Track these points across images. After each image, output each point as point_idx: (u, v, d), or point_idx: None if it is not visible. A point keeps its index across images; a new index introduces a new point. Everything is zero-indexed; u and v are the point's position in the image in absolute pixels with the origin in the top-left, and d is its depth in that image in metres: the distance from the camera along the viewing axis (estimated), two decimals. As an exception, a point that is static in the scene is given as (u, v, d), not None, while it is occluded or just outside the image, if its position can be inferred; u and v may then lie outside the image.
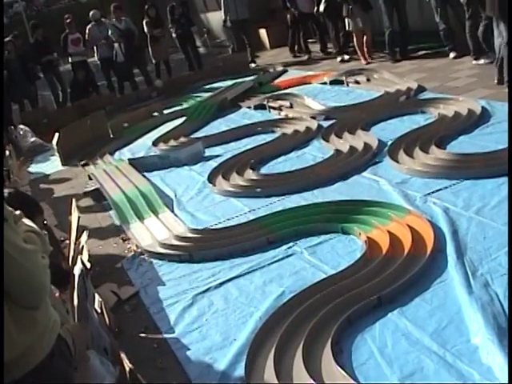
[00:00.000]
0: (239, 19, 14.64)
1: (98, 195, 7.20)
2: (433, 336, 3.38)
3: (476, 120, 6.90)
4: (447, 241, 4.37)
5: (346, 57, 13.04)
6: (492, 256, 4.06)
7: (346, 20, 12.11)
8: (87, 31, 13.86)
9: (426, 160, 5.95)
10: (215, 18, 20.02)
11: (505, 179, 5.16)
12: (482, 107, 7.22)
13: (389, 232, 4.60)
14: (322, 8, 12.83)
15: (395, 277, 3.99)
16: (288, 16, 14.65)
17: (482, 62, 9.45)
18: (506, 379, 2.88)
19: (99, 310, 3.84)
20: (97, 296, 3.90)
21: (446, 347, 3.25)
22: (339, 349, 3.44)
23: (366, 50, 12.20)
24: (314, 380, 3.09)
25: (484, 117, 6.98)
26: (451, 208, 4.91)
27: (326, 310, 3.72)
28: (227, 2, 14.58)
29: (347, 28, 12.27)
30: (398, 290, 3.85)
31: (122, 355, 3.12)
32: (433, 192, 5.30)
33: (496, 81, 8.17)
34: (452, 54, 10.59)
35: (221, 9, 15.16)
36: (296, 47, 15.17)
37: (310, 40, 15.00)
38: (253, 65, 14.94)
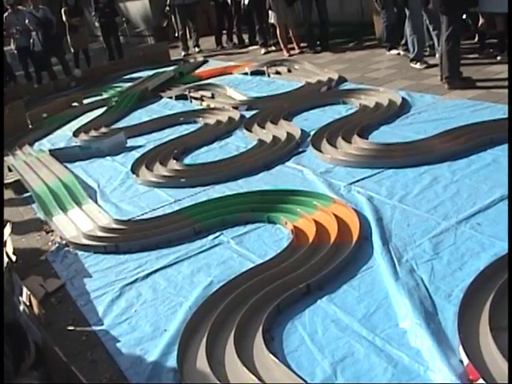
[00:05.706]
0: (185, 3, 14.61)
1: (19, 187, 7.04)
2: (362, 321, 3.44)
3: (396, 110, 7.06)
4: (372, 228, 4.45)
5: (272, 48, 13.15)
6: (416, 242, 4.16)
7: (270, 12, 12.20)
8: (3, 20, 13.50)
9: (349, 149, 6.04)
10: (134, 7, 19.85)
11: (426, 168, 5.33)
12: (402, 98, 7.40)
13: (315, 221, 4.65)
14: (246, 1, 12.92)
15: (323, 264, 4.03)
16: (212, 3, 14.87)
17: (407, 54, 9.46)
18: (434, 361, 2.97)
19: (28, 303, 3.76)
20: (24, 289, 3.83)
21: (375, 332, 3.32)
22: (270, 336, 3.46)
23: (294, 42, 12.33)
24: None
25: (404, 107, 7.17)
26: (375, 196, 5.01)
27: (256, 299, 3.73)
28: None
29: (270, 20, 12.39)
30: (326, 277, 3.89)
31: (56, 349, 3.07)
32: (356, 181, 5.39)
33: (440, 77, 7.82)
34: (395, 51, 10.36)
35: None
36: (225, 37, 15.28)
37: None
38: (197, 49, 15.04)
